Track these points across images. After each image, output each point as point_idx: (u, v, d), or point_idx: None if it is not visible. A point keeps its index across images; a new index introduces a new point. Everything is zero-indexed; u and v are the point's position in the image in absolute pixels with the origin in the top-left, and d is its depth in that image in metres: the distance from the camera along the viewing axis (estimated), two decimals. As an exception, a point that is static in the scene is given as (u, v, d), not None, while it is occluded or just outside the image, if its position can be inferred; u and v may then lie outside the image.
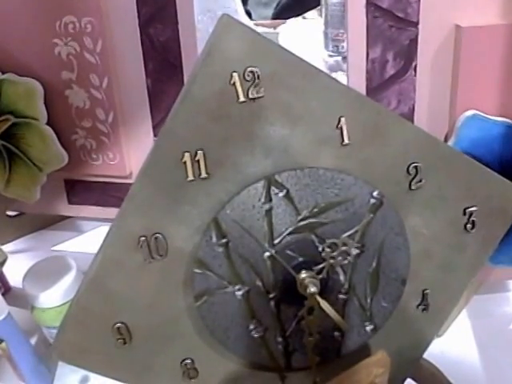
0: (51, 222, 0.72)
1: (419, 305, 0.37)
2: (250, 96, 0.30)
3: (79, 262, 0.50)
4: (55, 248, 0.68)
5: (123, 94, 0.55)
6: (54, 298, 0.49)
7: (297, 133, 0.31)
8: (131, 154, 0.56)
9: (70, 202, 0.63)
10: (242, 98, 0.30)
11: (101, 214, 0.61)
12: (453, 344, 0.49)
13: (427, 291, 0.37)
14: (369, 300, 0.36)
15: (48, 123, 0.56)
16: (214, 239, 0.32)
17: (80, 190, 0.62)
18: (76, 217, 0.71)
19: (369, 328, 0.37)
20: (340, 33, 0.90)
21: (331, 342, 0.36)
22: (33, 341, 0.55)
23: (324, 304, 0.32)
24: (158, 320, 0.33)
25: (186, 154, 0.30)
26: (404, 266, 0.36)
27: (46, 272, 0.50)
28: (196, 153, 0.30)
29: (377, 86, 0.45)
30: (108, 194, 0.60)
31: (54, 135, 0.56)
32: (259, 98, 0.30)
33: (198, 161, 0.30)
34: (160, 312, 0.33)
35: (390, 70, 0.44)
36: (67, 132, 0.57)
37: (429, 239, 0.35)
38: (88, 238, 0.69)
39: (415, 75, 0.44)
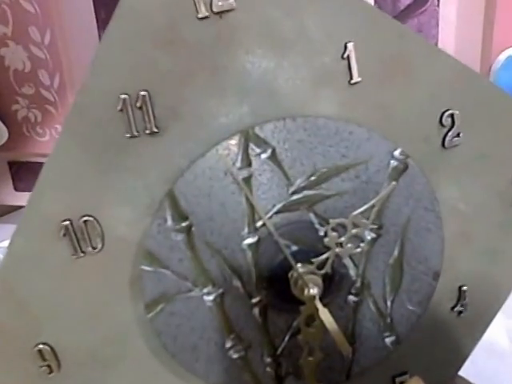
0: (-3, 214, 0.64)
1: (455, 306, 0.31)
2: (215, 9, 0.23)
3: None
4: (2, 244, 0.58)
5: (71, 52, 0.47)
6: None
7: (285, 66, 0.25)
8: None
9: (16, 189, 0.56)
10: (203, 12, 0.23)
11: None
12: (485, 349, 0.40)
13: (465, 288, 0.31)
14: (389, 302, 0.30)
15: (-20, 91, 0.48)
16: (170, 222, 0.26)
17: (27, 173, 0.55)
18: (27, 207, 0.62)
19: (389, 340, 0.31)
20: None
21: (339, 360, 0.30)
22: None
23: (324, 314, 0.25)
24: (97, 339, 0.27)
25: (124, 98, 0.23)
26: (436, 254, 0.30)
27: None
28: (138, 96, 0.23)
29: (389, 20, 0.36)
30: (60, 177, 0.52)
31: (-11, 105, 0.48)
32: (229, 11, 0.23)
33: (142, 108, 0.23)
34: (99, 328, 0.27)
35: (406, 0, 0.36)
36: (6, 101, 0.49)
37: (468, 217, 0.29)
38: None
39: (438, 6, 0.36)
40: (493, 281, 0.31)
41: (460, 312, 0.31)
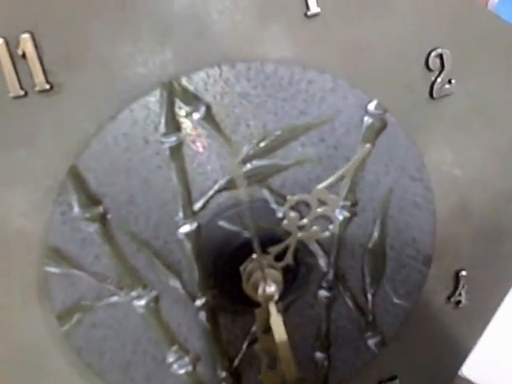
0: None
1: (451, 296, 0.27)
2: None
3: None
4: None
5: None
6: None
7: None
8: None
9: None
10: None
11: None
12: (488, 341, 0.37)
13: (464, 272, 0.27)
14: (370, 296, 0.26)
15: None
16: (77, 209, 0.21)
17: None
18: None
19: (373, 341, 0.27)
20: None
21: (311, 369, 0.25)
22: None
23: (276, 322, 0.19)
24: (3, 360, 0.22)
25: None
26: (427, 234, 0.26)
27: None
28: (18, 40, 0.19)
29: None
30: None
31: None
32: None
33: (25, 55, 0.19)
34: (6, 345, 0.22)
35: None
36: None
37: (466, 185, 0.26)
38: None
39: None
40: (497, 262, 0.28)
41: (458, 302, 0.28)
